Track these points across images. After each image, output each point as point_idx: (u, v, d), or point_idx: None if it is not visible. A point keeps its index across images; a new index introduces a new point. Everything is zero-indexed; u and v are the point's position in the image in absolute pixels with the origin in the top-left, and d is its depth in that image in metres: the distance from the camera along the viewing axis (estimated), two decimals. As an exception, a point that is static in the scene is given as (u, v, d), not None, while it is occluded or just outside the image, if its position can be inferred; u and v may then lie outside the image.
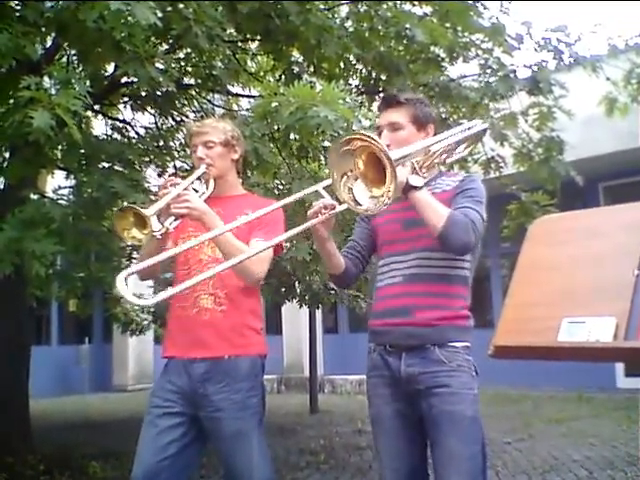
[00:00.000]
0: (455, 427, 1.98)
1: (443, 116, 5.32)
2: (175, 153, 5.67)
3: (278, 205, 2.27)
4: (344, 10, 5.04)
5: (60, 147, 3.91)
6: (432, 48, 4.84)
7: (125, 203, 3.32)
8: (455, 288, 2.11)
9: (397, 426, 2.11)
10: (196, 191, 2.39)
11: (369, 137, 1.76)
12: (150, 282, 7.70)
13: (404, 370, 2.06)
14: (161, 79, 3.57)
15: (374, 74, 5.18)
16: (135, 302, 1.79)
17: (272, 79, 5.43)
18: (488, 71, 5.15)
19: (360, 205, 1.86)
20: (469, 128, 2.38)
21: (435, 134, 2.23)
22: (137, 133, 5.86)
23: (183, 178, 2.42)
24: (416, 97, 2.30)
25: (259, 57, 5.80)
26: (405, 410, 2.09)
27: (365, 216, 2.32)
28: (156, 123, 5.93)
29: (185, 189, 2.29)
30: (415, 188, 1.98)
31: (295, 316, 11.36)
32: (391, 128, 2.19)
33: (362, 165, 1.82)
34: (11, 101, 3.41)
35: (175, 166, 5.46)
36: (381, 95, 5.33)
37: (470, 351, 2.06)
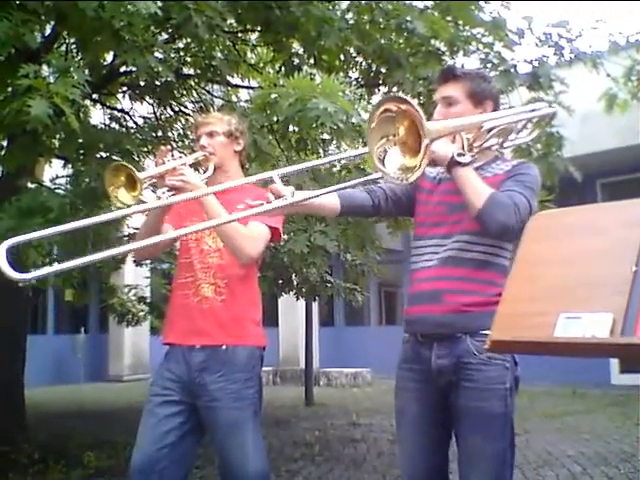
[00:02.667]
0: (479, 423, 1.92)
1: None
2: (173, 143, 5.65)
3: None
4: (345, 2, 5.02)
5: (58, 136, 3.90)
6: (433, 41, 4.82)
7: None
8: (491, 275, 1.99)
9: (421, 423, 2.05)
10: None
11: (410, 103, 1.67)
12: (147, 273, 7.73)
13: (434, 362, 1.99)
14: (160, 69, 3.56)
15: (374, 67, 5.16)
16: (14, 276, 1.55)
17: (272, 70, 5.42)
18: (488, 66, 5.13)
19: (385, 169, 1.75)
20: (532, 110, 2.22)
21: (494, 110, 2.10)
22: (135, 123, 5.84)
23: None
24: (475, 71, 2.17)
25: (259, 48, 5.78)
26: (433, 405, 2.03)
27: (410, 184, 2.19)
28: (155, 113, 5.91)
29: (182, 165, 2.29)
30: (460, 164, 1.89)
31: (291, 308, 11.38)
32: (445, 103, 2.06)
33: (403, 131, 1.72)
34: (9, 89, 3.39)
35: (173, 156, 5.45)
36: (380, 88, 5.33)
37: None
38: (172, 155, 2.33)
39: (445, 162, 1.90)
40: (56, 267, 1.73)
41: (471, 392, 1.94)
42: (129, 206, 2.18)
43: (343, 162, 5.57)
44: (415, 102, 1.69)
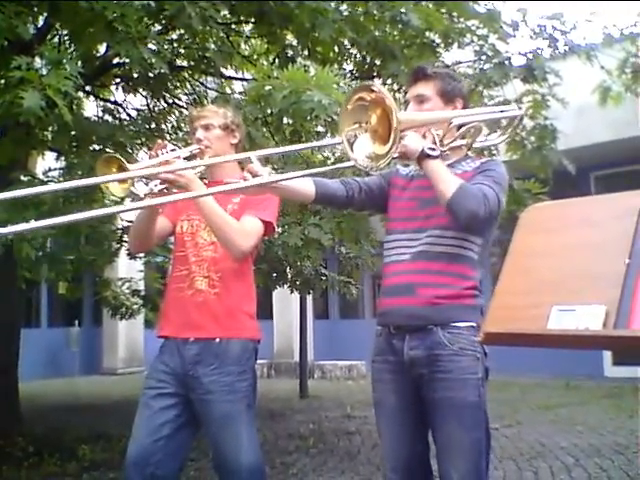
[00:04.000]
0: (455, 413, 1.96)
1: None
2: (167, 136, 5.63)
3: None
4: (339, -7, 5.00)
5: (51, 128, 3.88)
6: (427, 33, 4.81)
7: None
8: (462, 268, 2.05)
9: (399, 413, 2.09)
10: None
11: (384, 93, 1.73)
12: (140, 266, 7.71)
13: (407, 353, 2.04)
14: (153, 60, 3.54)
15: (368, 59, 5.15)
16: None
17: (266, 62, 5.40)
18: (483, 58, 5.13)
19: (352, 154, 1.80)
20: (501, 111, 2.29)
21: (464, 109, 2.16)
22: (129, 115, 5.82)
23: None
24: (445, 71, 2.23)
25: (253, 40, 5.76)
26: (408, 396, 2.07)
27: (384, 178, 2.25)
28: (148, 105, 5.89)
29: (176, 158, 2.28)
30: (430, 157, 1.94)
31: (286, 301, 11.38)
32: (417, 101, 2.13)
33: (375, 120, 1.77)
34: (2, 81, 3.37)
35: (167, 144, 5.43)
36: (375, 80, 5.31)
37: (476, 331, 1.97)
38: (166, 150, 2.32)
39: (416, 155, 1.95)
40: (33, 224, 1.65)
41: (445, 383, 1.98)
42: (121, 198, 2.18)
43: (337, 155, 5.56)
44: (388, 92, 1.75)
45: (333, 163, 4.98)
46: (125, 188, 2.16)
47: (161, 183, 2.24)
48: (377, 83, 1.77)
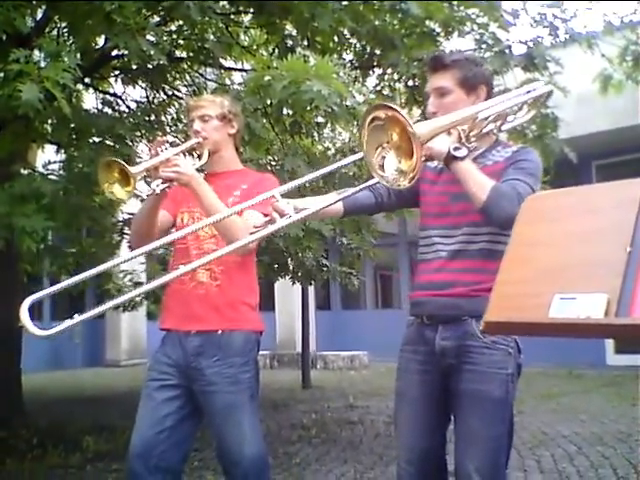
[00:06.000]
0: (478, 407, 1.93)
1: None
2: (167, 128, 5.62)
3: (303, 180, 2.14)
4: (338, -17, 4.97)
5: (50, 121, 3.87)
6: (427, 22, 4.78)
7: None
8: (497, 264, 2.00)
9: (422, 404, 2.06)
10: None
11: (395, 110, 1.66)
12: (142, 258, 7.71)
13: (438, 343, 2.00)
14: (152, 52, 3.53)
15: (368, 48, 5.13)
16: (37, 333, 1.64)
17: (265, 53, 5.38)
18: (483, 46, 5.10)
19: (384, 172, 1.74)
20: (528, 92, 2.17)
21: (489, 94, 2.07)
22: (128, 107, 5.80)
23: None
24: (464, 57, 2.13)
25: (252, 30, 5.73)
26: (434, 388, 2.03)
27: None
28: (147, 97, 5.87)
29: (176, 155, 2.27)
30: (457, 159, 1.85)
31: (288, 293, 11.39)
32: (437, 94, 2.05)
33: (396, 137, 1.70)
34: (0, 74, 3.37)
35: (167, 141, 5.42)
36: (375, 70, 5.29)
37: None
38: (166, 147, 2.31)
39: (442, 157, 1.87)
40: (77, 318, 1.74)
41: (472, 375, 1.94)
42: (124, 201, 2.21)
43: (338, 146, 5.55)
44: (400, 108, 1.68)
45: (334, 153, 4.97)
46: (129, 191, 2.17)
47: (163, 182, 2.24)
48: (388, 104, 1.70)
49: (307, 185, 3.35)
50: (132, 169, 2.14)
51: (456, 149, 1.86)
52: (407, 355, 2.12)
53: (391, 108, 1.67)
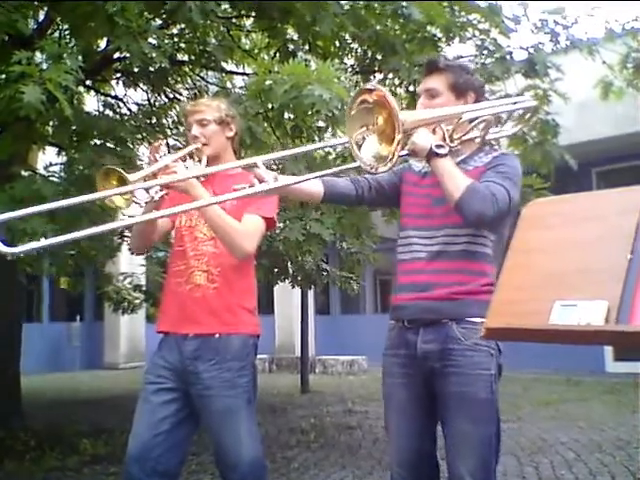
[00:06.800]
0: (466, 408, 1.95)
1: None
2: (168, 131, 5.63)
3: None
4: (340, -12, 4.98)
5: (51, 123, 3.87)
6: (429, 27, 4.79)
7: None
8: (478, 265, 2.04)
9: (408, 407, 2.08)
10: (186, 167, 2.37)
11: (384, 93, 1.70)
12: (142, 261, 7.71)
13: (421, 347, 2.02)
14: (154, 55, 3.53)
15: (369, 53, 5.13)
16: (3, 250, 1.57)
17: (266, 57, 5.38)
18: (484, 52, 5.11)
19: (360, 155, 1.79)
20: (514, 103, 2.25)
21: (477, 102, 2.14)
22: (129, 110, 5.80)
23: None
24: (458, 63, 2.21)
25: (253, 34, 5.74)
26: (419, 391, 2.06)
27: (396, 174, 2.24)
28: (149, 100, 5.87)
29: (174, 162, 2.28)
30: (438, 155, 1.91)
31: (287, 297, 11.39)
32: (428, 95, 2.12)
33: (382, 121, 1.75)
34: (2, 76, 3.37)
35: (168, 144, 5.42)
36: (376, 75, 5.30)
37: None
38: (164, 153, 2.31)
39: (424, 153, 1.93)
40: (43, 242, 1.73)
41: (458, 377, 1.97)
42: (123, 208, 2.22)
43: (338, 150, 5.55)
44: (389, 94, 1.72)
45: (335, 158, 4.97)
46: (128, 199, 2.18)
47: (161, 189, 2.25)
48: (376, 83, 1.74)
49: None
50: (130, 177, 2.15)
51: (438, 146, 1.92)
52: (389, 359, 2.15)
53: (381, 92, 1.72)
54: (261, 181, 1.91)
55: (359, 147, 1.79)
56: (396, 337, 2.12)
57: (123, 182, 2.16)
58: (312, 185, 2.13)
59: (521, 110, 2.26)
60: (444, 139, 1.96)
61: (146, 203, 2.29)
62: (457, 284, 2.00)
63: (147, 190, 2.23)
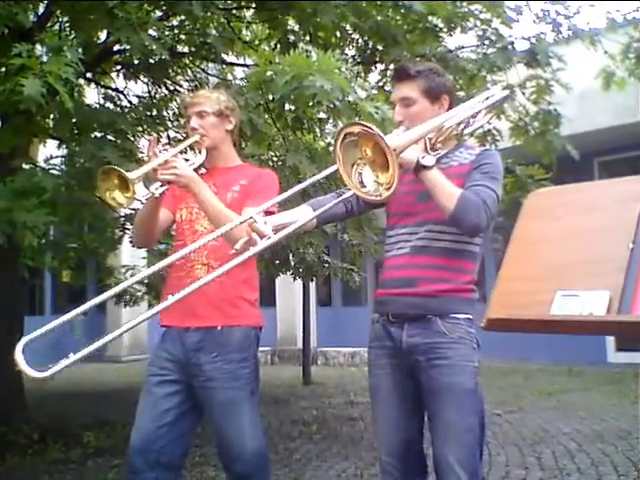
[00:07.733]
0: (453, 399, 1.98)
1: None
2: (168, 123, 5.61)
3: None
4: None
5: (52, 116, 3.86)
6: (430, 18, 4.77)
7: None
8: (462, 263, 2.08)
9: (395, 397, 2.11)
10: (186, 160, 2.37)
11: (367, 127, 1.71)
12: (144, 253, 7.71)
13: (405, 341, 2.06)
14: (154, 47, 3.52)
15: (371, 44, 5.12)
16: (34, 375, 1.67)
17: (267, 48, 5.36)
18: (486, 42, 5.09)
19: (365, 187, 1.80)
20: (487, 98, 2.29)
21: (451, 103, 2.18)
22: (130, 102, 5.79)
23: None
24: (428, 67, 2.22)
25: (254, 25, 5.72)
26: (404, 382, 2.10)
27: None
28: (149, 92, 5.86)
29: (174, 156, 2.27)
30: (426, 167, 1.93)
31: (289, 288, 11.38)
32: (403, 103, 2.14)
33: (370, 152, 1.76)
34: (2, 69, 3.36)
35: (168, 136, 5.41)
36: (377, 66, 5.28)
37: (472, 323, 2.04)
38: (163, 147, 2.31)
39: (412, 167, 1.95)
40: (72, 358, 1.79)
41: (445, 369, 2.00)
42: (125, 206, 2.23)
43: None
44: (372, 126, 1.72)
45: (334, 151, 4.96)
46: (129, 196, 2.18)
47: (161, 185, 2.24)
48: (356, 124, 1.74)
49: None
50: (130, 175, 2.15)
51: (423, 158, 1.94)
52: (375, 351, 2.18)
53: (363, 125, 1.73)
54: (262, 236, 1.92)
55: (360, 183, 1.79)
56: (380, 330, 2.15)
57: (123, 180, 2.16)
58: (305, 218, 2.13)
59: (497, 102, 2.33)
60: (426, 148, 1.99)
61: (147, 199, 2.28)
62: (440, 280, 2.04)
63: (147, 186, 2.23)
